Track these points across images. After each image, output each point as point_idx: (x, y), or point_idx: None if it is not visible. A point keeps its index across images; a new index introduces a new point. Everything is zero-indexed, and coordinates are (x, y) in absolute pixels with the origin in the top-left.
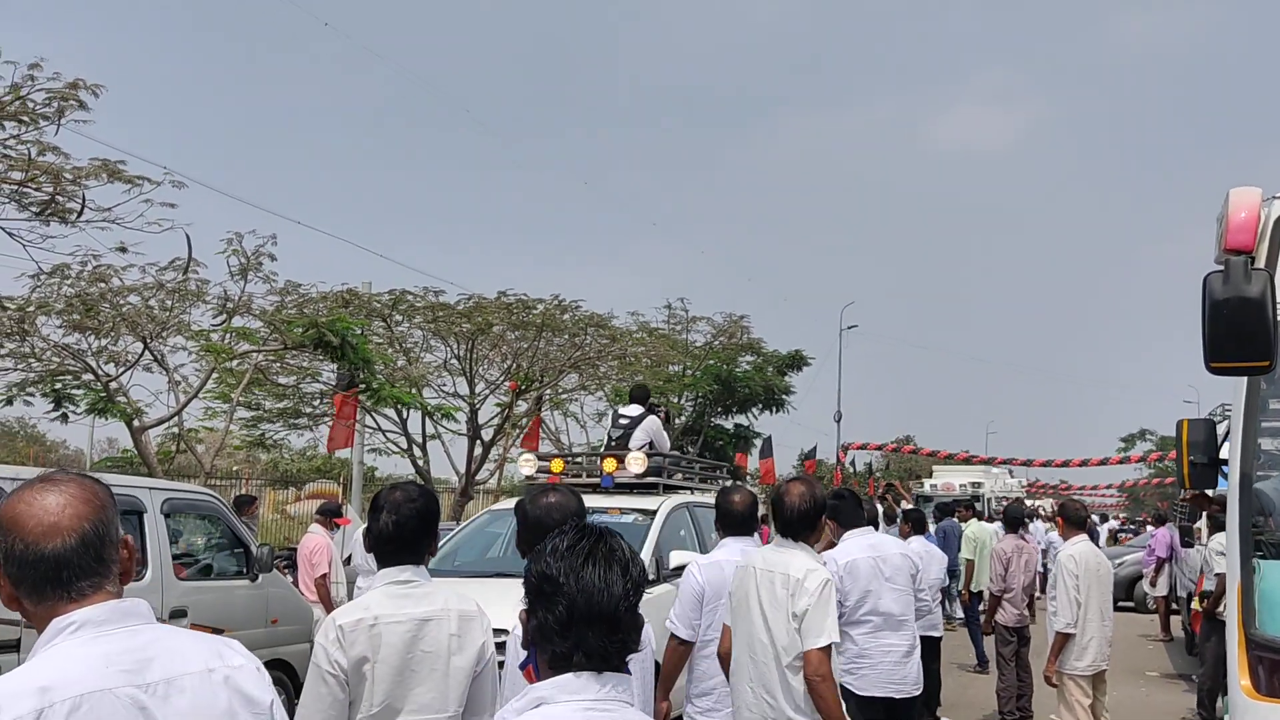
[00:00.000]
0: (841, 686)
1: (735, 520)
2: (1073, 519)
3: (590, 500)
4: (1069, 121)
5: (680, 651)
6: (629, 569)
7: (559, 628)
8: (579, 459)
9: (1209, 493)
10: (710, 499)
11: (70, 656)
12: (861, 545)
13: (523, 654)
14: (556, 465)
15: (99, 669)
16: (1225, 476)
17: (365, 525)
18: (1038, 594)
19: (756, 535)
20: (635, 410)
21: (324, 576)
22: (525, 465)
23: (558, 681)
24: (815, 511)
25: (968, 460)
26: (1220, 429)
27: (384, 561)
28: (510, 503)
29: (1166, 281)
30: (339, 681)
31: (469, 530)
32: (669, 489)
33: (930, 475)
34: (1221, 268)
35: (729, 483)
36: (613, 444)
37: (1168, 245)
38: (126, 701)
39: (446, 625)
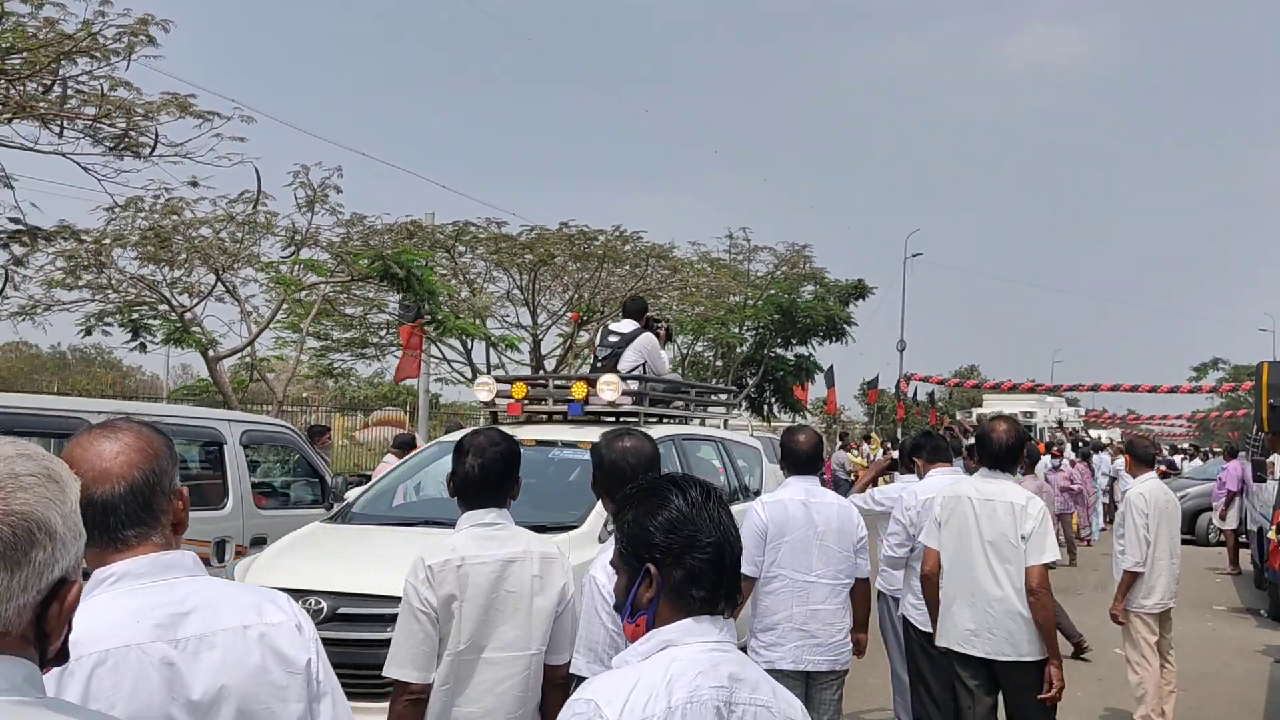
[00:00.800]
0: (907, 622)
1: (800, 460)
2: (1141, 456)
3: (545, 431)
4: (1141, 38)
5: (743, 587)
6: (733, 517)
7: (712, 574)
8: (544, 382)
9: None
10: (708, 431)
11: (104, 609)
12: (944, 484)
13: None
14: (518, 390)
15: (130, 624)
16: None
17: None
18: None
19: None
20: (627, 326)
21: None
22: (482, 390)
23: (682, 625)
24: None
25: (1033, 389)
26: None
27: (468, 504)
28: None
29: (1243, 206)
30: (430, 619)
31: (412, 466)
32: (657, 419)
33: (980, 405)
34: None
35: (735, 413)
36: (598, 366)
37: (1243, 168)
38: (155, 658)
39: (529, 566)
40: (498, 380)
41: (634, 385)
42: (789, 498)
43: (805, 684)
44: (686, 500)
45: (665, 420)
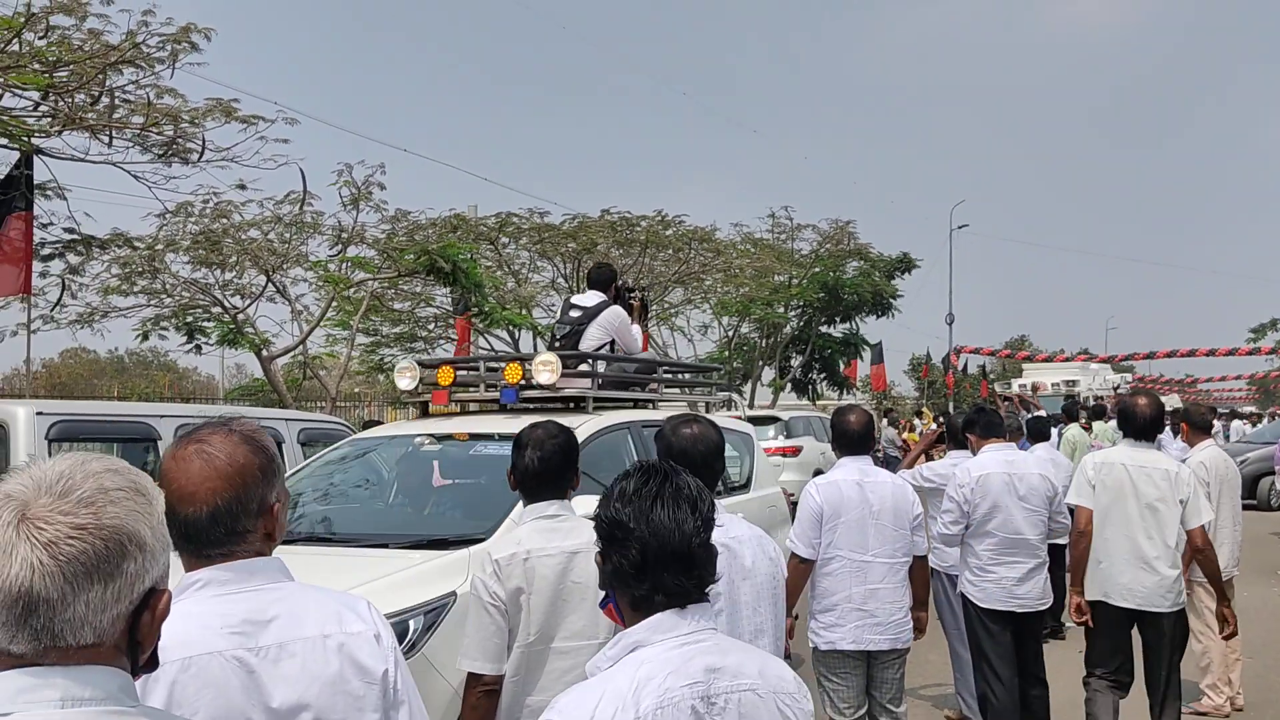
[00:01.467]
0: (966, 599)
1: (852, 440)
2: (1198, 423)
3: (478, 424)
4: None
5: (801, 570)
6: (698, 506)
7: (634, 571)
8: (476, 366)
9: None
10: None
11: (188, 615)
12: (998, 460)
13: (600, 594)
14: (444, 375)
15: (213, 629)
16: None
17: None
18: None
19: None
20: (592, 298)
21: None
22: (403, 376)
23: (648, 623)
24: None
25: (1089, 359)
26: None
27: (530, 497)
28: (371, 432)
29: None
30: (500, 611)
31: (314, 471)
32: (615, 404)
33: (1020, 375)
34: None
35: (723, 395)
36: (557, 345)
37: None
38: (235, 664)
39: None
40: (422, 365)
41: (586, 365)
42: (843, 478)
43: (867, 663)
44: (633, 492)
45: (638, 405)
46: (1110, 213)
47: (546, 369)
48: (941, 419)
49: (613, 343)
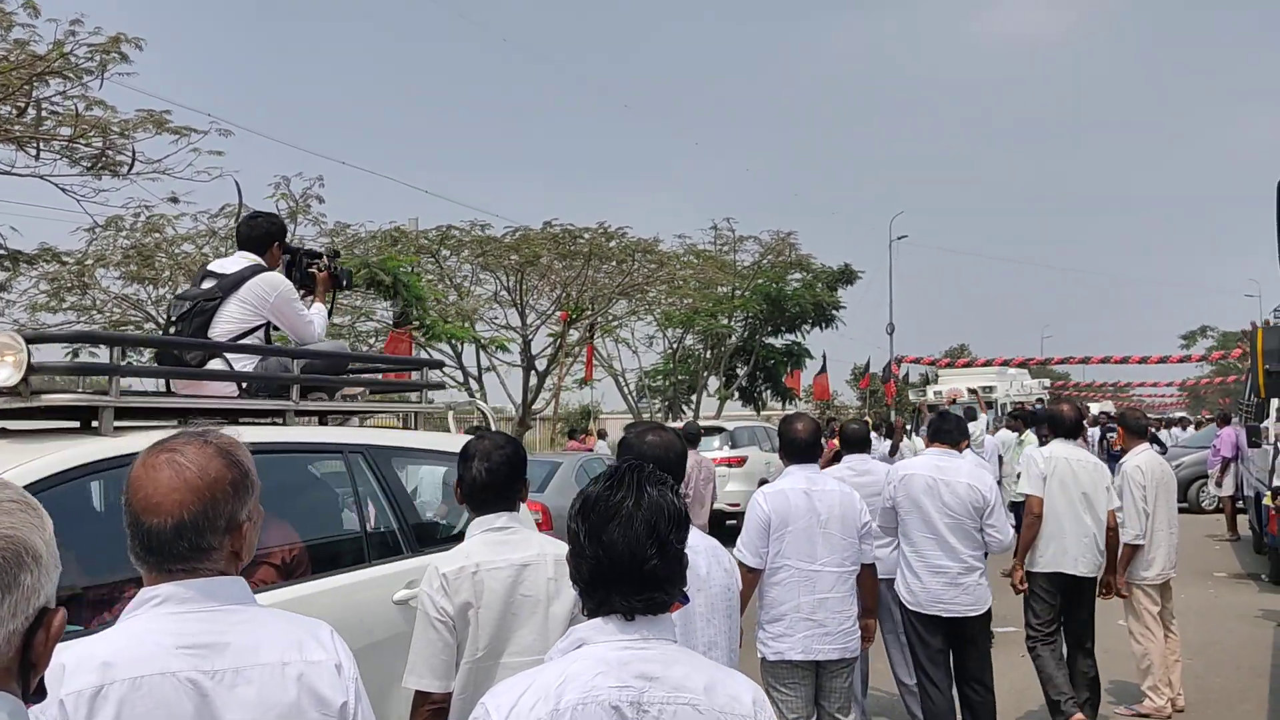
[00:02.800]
0: (898, 598)
1: (799, 448)
2: (1134, 428)
3: None
4: (1120, 9)
5: (749, 579)
6: (656, 527)
7: (584, 586)
8: None
9: None
10: (331, 436)
11: (142, 632)
12: (928, 464)
13: (548, 605)
14: None
15: (166, 649)
16: None
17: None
18: None
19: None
20: (237, 262)
21: None
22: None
23: (595, 623)
24: (1081, 421)
25: (1023, 365)
26: None
27: (478, 509)
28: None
29: (1222, 174)
30: (447, 627)
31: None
32: (251, 417)
33: (934, 381)
34: None
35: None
36: (173, 329)
37: (1223, 136)
38: (188, 686)
39: (544, 569)
40: None
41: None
42: (790, 487)
43: (815, 673)
44: (591, 506)
45: (274, 420)
46: (1046, 223)
47: (5, 369)
48: (836, 428)
49: (269, 326)
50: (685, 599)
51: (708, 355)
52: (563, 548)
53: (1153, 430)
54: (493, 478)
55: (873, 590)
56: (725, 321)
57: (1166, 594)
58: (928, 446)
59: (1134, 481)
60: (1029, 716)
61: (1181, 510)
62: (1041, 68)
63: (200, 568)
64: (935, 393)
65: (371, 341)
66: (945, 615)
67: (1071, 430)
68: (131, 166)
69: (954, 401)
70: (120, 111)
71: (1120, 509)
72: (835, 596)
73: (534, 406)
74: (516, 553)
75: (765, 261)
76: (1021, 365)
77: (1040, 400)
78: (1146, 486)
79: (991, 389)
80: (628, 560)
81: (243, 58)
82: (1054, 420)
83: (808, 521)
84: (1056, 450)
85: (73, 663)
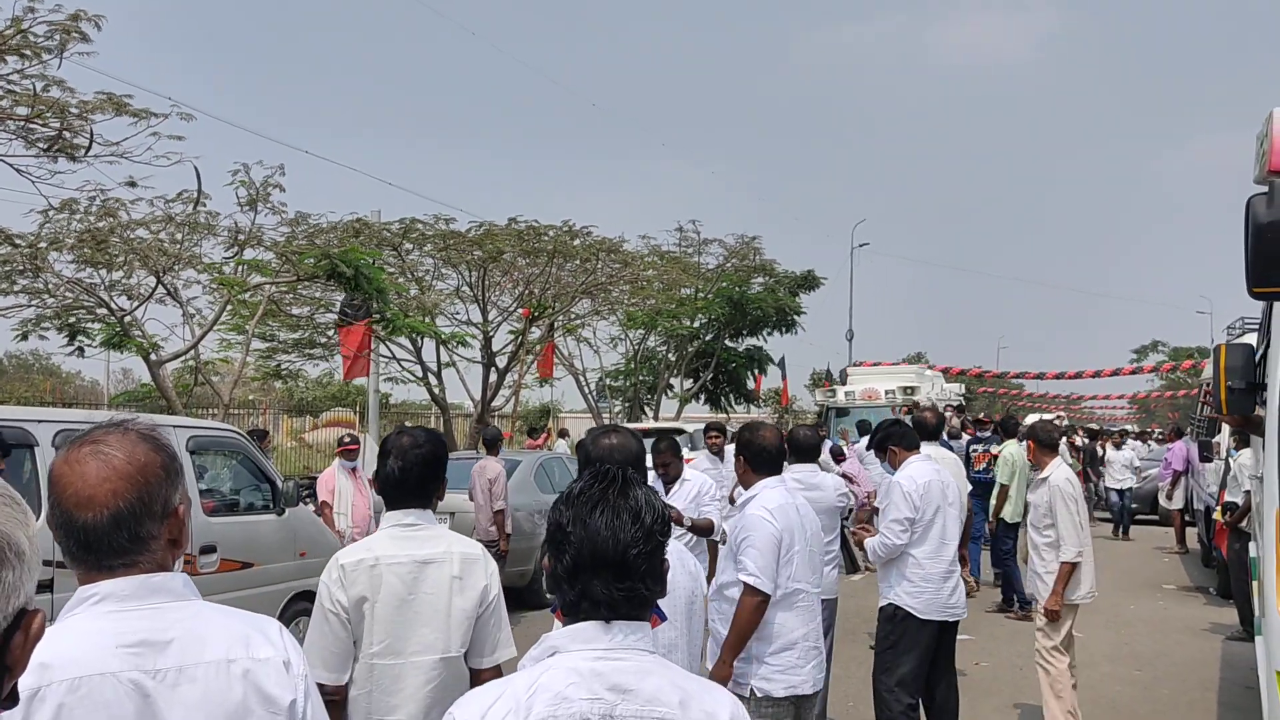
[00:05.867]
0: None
1: (771, 457)
2: (1045, 442)
3: None
4: (1079, 29)
5: (759, 608)
6: (641, 516)
7: (566, 575)
8: None
9: None
10: None
11: (81, 632)
12: (931, 468)
13: (552, 598)
14: None
15: (107, 649)
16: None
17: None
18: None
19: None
20: None
21: (324, 504)
22: None
23: (569, 631)
24: (941, 426)
25: (980, 376)
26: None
27: (391, 505)
28: None
29: (1178, 192)
30: (340, 620)
31: None
32: None
33: (843, 381)
34: (1265, 190)
35: None
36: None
37: (1179, 155)
38: (129, 686)
39: (448, 568)
40: None
41: None
42: (787, 502)
43: (797, 708)
44: (578, 495)
45: None
46: (1005, 235)
47: None
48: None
49: None
50: (663, 615)
51: (671, 357)
52: (473, 547)
53: (1090, 443)
54: (406, 475)
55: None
56: (688, 323)
57: (1074, 616)
58: (906, 454)
59: (1066, 495)
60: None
61: (1150, 522)
62: (1001, 83)
63: (140, 560)
64: (846, 393)
65: (331, 333)
66: (950, 620)
67: (933, 434)
68: (89, 149)
69: (910, 410)
70: (79, 92)
71: (1050, 524)
72: (820, 621)
73: (493, 403)
74: (421, 549)
75: (729, 265)
76: (978, 376)
77: (961, 407)
78: (1079, 500)
79: (914, 390)
80: (611, 546)
81: (206, 42)
82: (918, 425)
83: (804, 540)
84: (922, 471)
85: None
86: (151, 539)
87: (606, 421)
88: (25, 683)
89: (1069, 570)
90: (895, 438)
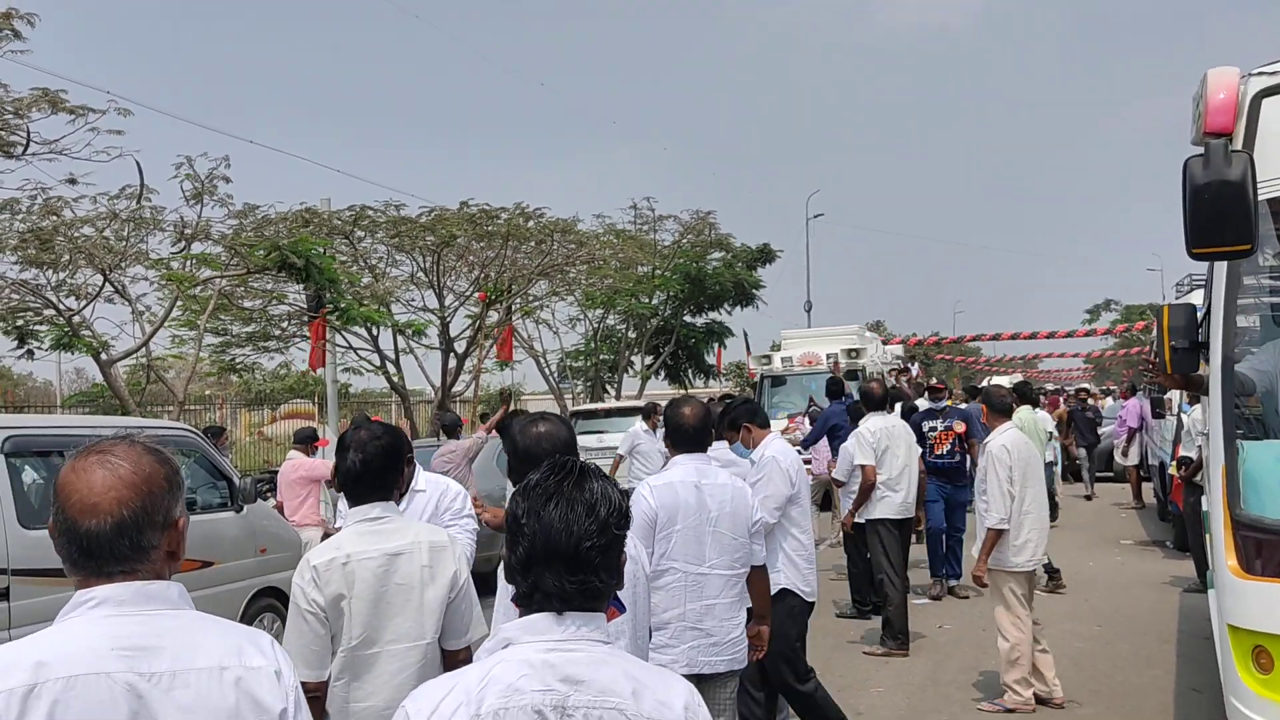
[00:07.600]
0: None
1: (688, 435)
2: (998, 406)
3: None
4: None
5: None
6: (596, 509)
7: (520, 566)
8: None
9: None
10: None
11: (77, 634)
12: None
13: (511, 589)
14: None
15: (101, 650)
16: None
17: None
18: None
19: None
20: None
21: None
22: None
23: (522, 623)
24: (887, 396)
25: (938, 343)
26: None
27: (354, 500)
28: None
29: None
30: (318, 619)
31: None
32: None
33: (778, 348)
34: (1201, 151)
35: None
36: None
37: (1125, 116)
38: (123, 688)
39: (418, 558)
40: None
41: None
42: (679, 479)
43: (698, 685)
44: (534, 487)
45: None
46: (957, 200)
47: None
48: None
49: None
50: (621, 607)
51: (631, 335)
52: (439, 534)
53: (1075, 402)
54: (366, 469)
55: (764, 594)
56: (647, 301)
57: (1031, 582)
58: (762, 433)
59: (999, 462)
60: None
61: (1106, 479)
62: (947, 50)
63: (139, 569)
64: (784, 359)
65: (285, 325)
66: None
67: (879, 404)
68: (26, 147)
69: (812, 367)
70: (13, 90)
71: (983, 490)
72: (724, 602)
73: (454, 389)
74: (389, 542)
75: (685, 241)
76: (936, 343)
77: (905, 369)
78: (1013, 467)
79: (858, 353)
80: (564, 538)
81: (143, 33)
82: (866, 395)
83: (697, 519)
84: (883, 421)
85: (5, 662)
86: (152, 549)
87: (569, 403)
88: (20, 679)
89: (994, 537)
90: (747, 415)
